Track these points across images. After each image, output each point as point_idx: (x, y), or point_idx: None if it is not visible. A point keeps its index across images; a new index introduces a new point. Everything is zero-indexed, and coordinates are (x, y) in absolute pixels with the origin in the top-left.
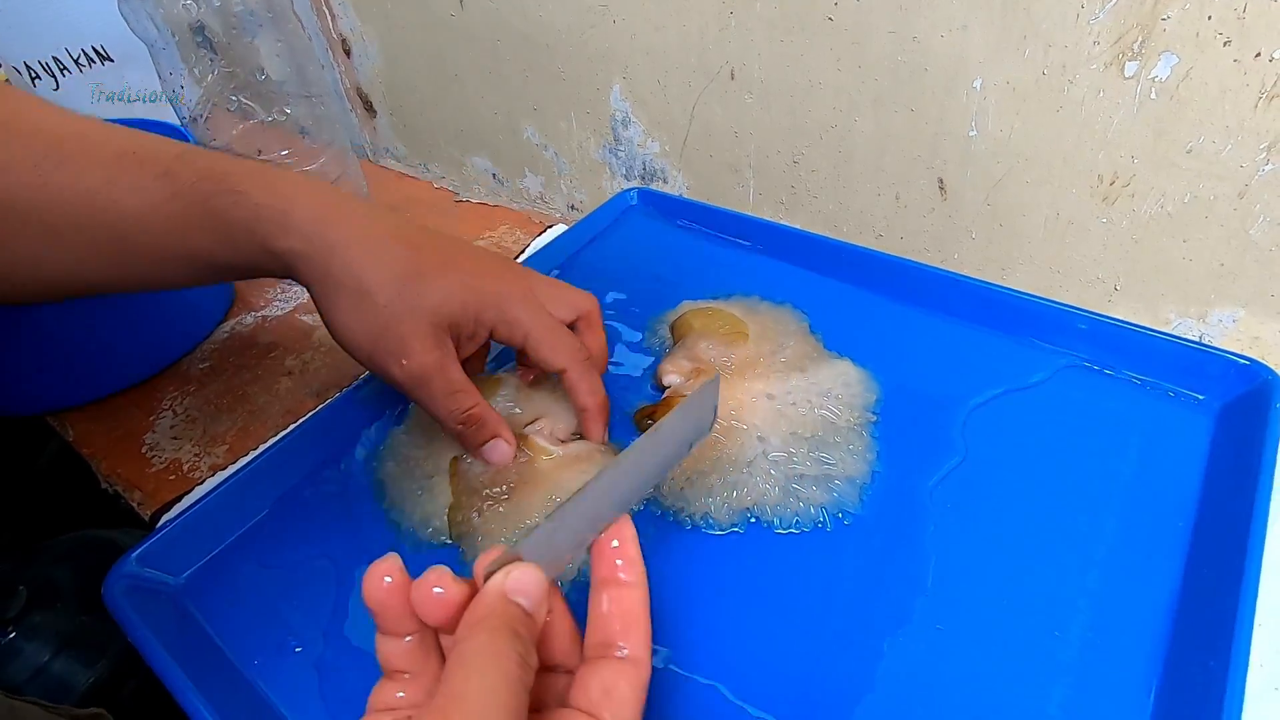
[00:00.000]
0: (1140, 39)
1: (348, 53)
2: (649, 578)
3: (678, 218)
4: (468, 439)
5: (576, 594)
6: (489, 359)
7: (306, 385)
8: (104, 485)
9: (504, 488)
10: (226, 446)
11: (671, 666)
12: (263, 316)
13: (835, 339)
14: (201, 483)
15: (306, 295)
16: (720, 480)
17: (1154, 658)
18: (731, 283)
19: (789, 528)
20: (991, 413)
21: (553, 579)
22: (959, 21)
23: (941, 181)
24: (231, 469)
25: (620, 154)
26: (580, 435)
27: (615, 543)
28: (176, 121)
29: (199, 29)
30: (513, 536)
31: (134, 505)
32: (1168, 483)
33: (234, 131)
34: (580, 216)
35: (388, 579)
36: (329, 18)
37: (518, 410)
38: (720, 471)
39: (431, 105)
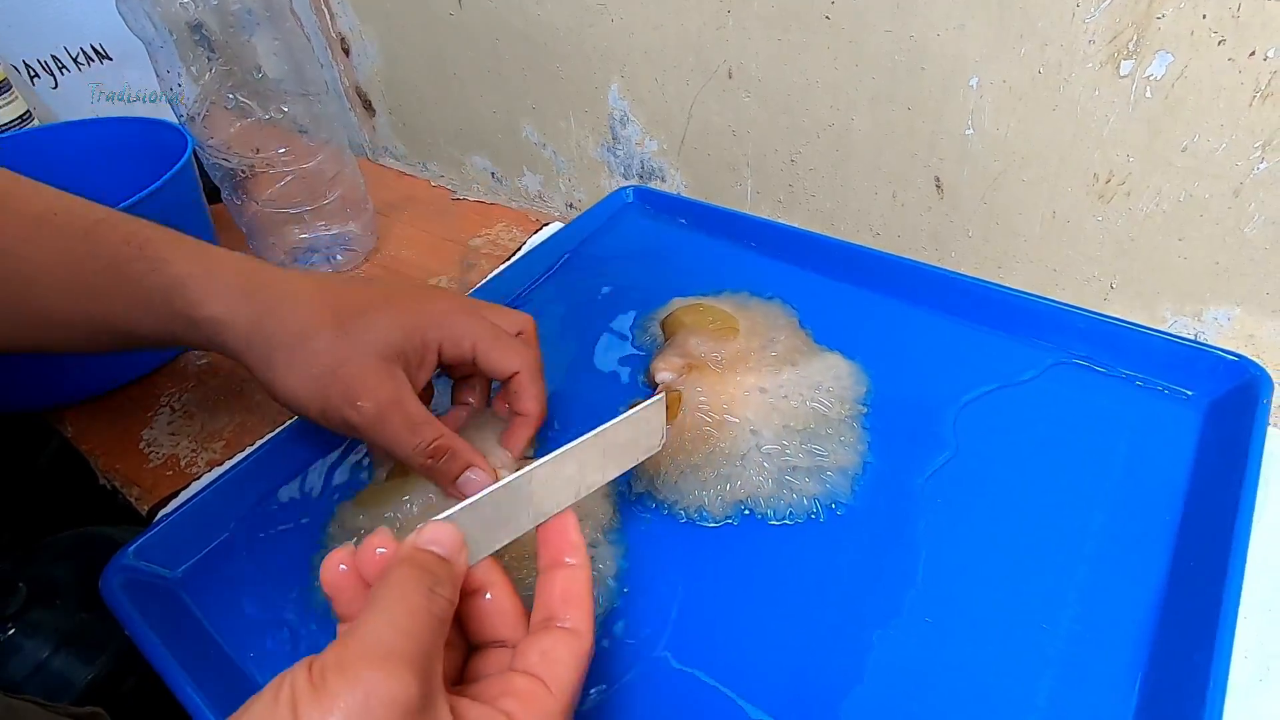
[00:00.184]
0: (1135, 38)
1: (347, 52)
2: (646, 572)
3: (673, 216)
4: (439, 473)
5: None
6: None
7: None
8: (102, 481)
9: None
10: (224, 442)
11: (665, 656)
12: None
13: (826, 334)
14: (199, 478)
15: None
16: (714, 473)
17: (1140, 650)
18: (723, 279)
19: (782, 519)
20: (983, 408)
21: (489, 553)
22: (956, 20)
23: (938, 180)
24: (228, 464)
25: (619, 153)
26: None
27: (561, 531)
28: (175, 120)
29: (196, 27)
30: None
31: (132, 501)
32: (1156, 478)
33: (231, 130)
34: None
35: (343, 566)
36: (328, 17)
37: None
38: (714, 465)
39: (430, 104)
